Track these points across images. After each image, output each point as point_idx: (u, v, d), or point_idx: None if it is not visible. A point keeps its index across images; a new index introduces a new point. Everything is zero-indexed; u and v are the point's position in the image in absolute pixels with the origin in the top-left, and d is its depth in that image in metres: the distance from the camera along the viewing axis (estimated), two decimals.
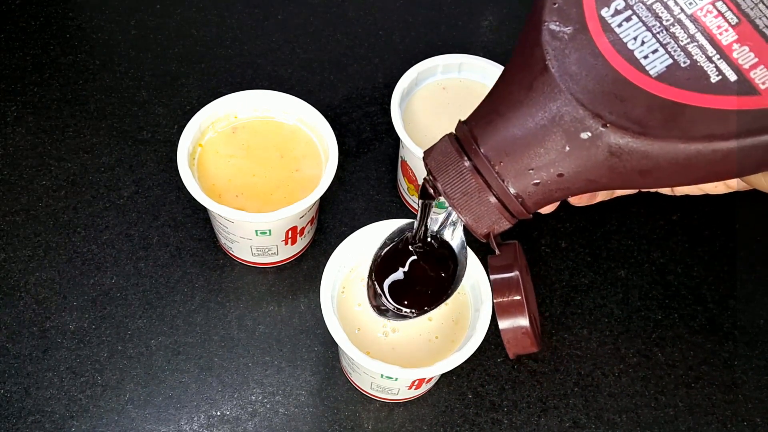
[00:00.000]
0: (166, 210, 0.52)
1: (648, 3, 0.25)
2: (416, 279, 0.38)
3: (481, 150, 0.28)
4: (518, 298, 0.31)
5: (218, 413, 0.45)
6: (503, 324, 0.31)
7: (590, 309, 0.51)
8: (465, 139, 0.29)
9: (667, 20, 0.24)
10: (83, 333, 0.47)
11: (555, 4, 0.26)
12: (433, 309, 0.38)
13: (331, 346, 0.48)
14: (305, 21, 0.63)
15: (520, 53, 0.27)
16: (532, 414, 0.47)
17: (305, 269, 0.51)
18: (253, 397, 0.46)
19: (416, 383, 0.42)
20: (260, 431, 0.45)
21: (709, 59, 0.24)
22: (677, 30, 0.24)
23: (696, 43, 0.24)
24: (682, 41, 0.24)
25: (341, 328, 0.39)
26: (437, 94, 0.51)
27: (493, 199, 0.28)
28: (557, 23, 0.25)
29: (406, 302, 0.38)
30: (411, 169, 0.49)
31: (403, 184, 0.53)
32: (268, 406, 0.46)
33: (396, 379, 0.41)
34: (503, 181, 0.28)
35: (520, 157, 0.27)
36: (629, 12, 0.25)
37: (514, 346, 0.32)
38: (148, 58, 0.59)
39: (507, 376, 0.48)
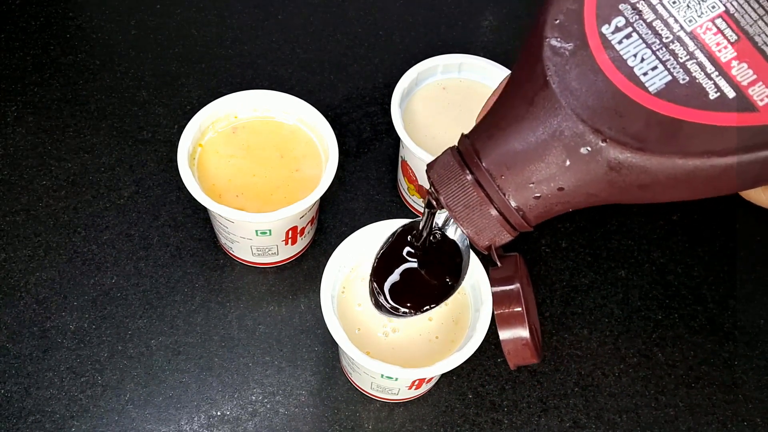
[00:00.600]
0: (167, 210, 0.52)
1: (648, 20, 0.25)
2: (418, 277, 0.38)
3: (483, 164, 0.28)
4: (519, 309, 0.31)
5: (218, 413, 0.45)
6: (504, 335, 0.31)
7: (590, 309, 0.51)
8: (467, 152, 0.29)
9: (667, 37, 0.25)
10: (83, 333, 0.47)
11: (556, 20, 0.26)
12: (436, 306, 0.38)
13: (331, 346, 0.48)
14: (305, 21, 0.63)
15: (521, 68, 0.28)
16: (532, 414, 0.47)
17: (305, 269, 0.51)
18: (254, 397, 0.46)
19: (416, 383, 0.42)
20: (260, 431, 0.45)
21: (708, 76, 0.24)
22: (677, 47, 0.24)
23: (695, 60, 0.24)
24: (681, 58, 0.24)
25: (341, 328, 0.39)
26: (437, 94, 0.51)
27: (494, 212, 0.29)
28: (558, 39, 0.26)
29: (406, 301, 0.38)
30: (411, 169, 0.49)
31: (403, 184, 0.53)
32: (268, 406, 0.46)
33: (396, 379, 0.41)
34: (504, 195, 0.28)
35: (521, 170, 0.27)
36: (629, 29, 0.25)
37: (514, 357, 0.32)
38: (148, 58, 0.59)
39: (507, 376, 0.48)
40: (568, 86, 0.25)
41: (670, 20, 0.25)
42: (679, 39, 0.25)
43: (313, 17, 0.63)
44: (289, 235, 0.47)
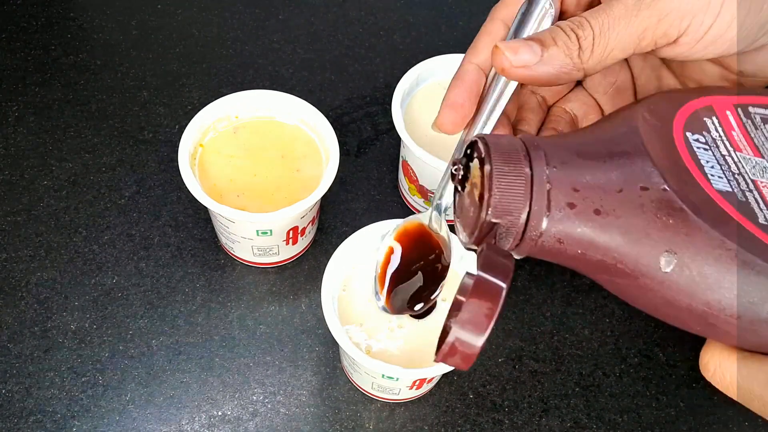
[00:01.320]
0: (168, 210, 0.52)
1: (723, 154, 0.29)
2: (412, 281, 0.38)
3: (550, 164, 0.28)
4: (488, 312, 0.26)
5: (219, 413, 0.45)
6: (460, 332, 0.26)
7: (591, 309, 0.51)
8: (533, 147, 0.28)
9: (735, 170, 0.29)
10: (84, 333, 0.47)
11: (652, 104, 0.30)
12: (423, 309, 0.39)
13: (332, 346, 0.48)
14: (306, 21, 0.63)
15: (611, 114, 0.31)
16: (533, 414, 0.47)
17: (306, 269, 0.51)
18: (255, 397, 0.46)
19: (417, 383, 0.42)
20: (261, 431, 0.45)
21: (760, 208, 0.27)
22: (740, 179, 0.28)
23: (753, 194, 0.28)
24: (742, 186, 0.28)
25: (342, 328, 0.39)
26: (438, 94, 0.51)
27: (523, 214, 0.27)
28: (650, 117, 0.29)
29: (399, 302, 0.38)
30: (412, 169, 0.49)
31: (404, 184, 0.53)
32: (269, 406, 0.46)
33: (397, 379, 0.41)
34: (548, 185, 0.27)
35: (577, 168, 0.28)
36: (707, 147, 0.29)
37: (449, 355, 0.27)
38: (149, 59, 0.59)
39: (508, 376, 0.48)
40: (651, 140, 0.28)
41: (739, 164, 0.29)
42: (743, 176, 0.29)
43: (314, 17, 0.63)
44: (290, 235, 0.47)
